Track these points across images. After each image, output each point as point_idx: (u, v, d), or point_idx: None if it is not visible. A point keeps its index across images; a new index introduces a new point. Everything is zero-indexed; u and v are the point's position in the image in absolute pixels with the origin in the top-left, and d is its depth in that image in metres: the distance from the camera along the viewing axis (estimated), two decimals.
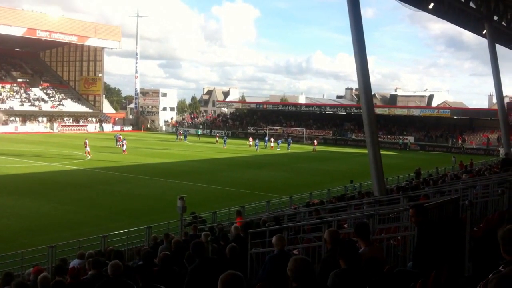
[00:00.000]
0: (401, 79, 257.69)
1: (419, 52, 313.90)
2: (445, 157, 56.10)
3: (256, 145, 62.71)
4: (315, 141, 67.53)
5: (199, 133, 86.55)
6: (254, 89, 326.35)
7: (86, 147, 49.34)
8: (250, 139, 68.83)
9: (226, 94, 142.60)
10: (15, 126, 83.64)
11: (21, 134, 77.78)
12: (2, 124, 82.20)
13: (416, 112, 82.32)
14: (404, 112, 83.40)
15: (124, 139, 56.64)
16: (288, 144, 65.90)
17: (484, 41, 37.07)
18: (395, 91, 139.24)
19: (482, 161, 47.04)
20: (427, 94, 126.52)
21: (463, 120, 78.57)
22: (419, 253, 6.56)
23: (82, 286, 8.22)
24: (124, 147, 53.64)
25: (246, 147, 64.51)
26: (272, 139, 68.67)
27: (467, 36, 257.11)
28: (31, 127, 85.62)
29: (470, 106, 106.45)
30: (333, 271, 5.14)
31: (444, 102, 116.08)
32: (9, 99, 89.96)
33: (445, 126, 78.55)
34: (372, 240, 6.66)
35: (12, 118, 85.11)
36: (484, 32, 35.86)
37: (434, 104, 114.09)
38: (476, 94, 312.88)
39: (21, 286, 7.73)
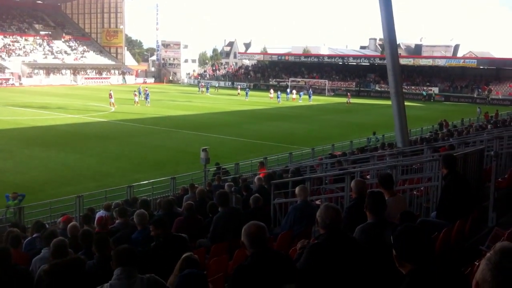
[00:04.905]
0: (427, 28, 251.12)
1: (445, 0, 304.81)
2: (470, 108, 55.22)
3: (278, 97, 62.46)
4: (349, 94, 66.26)
5: (217, 86, 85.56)
6: (276, 39, 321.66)
7: (111, 98, 49.64)
8: (271, 91, 68.42)
9: (247, 45, 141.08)
10: (40, 79, 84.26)
11: (45, 87, 78.49)
12: (27, 77, 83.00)
13: (441, 63, 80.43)
14: (429, 62, 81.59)
15: (137, 91, 55.44)
16: (310, 96, 65.26)
17: None
18: (420, 40, 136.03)
19: (508, 112, 46.23)
20: (452, 44, 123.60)
21: (490, 70, 76.79)
22: (443, 203, 6.56)
23: (109, 234, 8.43)
24: (136, 99, 53.04)
25: (268, 99, 64.23)
26: (294, 91, 68.10)
27: None
28: (55, 79, 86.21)
29: (497, 56, 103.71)
30: (359, 226, 5.06)
31: (470, 52, 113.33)
32: (32, 51, 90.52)
33: (471, 77, 76.88)
34: (395, 190, 6.65)
35: (36, 71, 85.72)
36: None
37: (460, 54, 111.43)
38: (504, 44, 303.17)
39: (51, 235, 7.97)
